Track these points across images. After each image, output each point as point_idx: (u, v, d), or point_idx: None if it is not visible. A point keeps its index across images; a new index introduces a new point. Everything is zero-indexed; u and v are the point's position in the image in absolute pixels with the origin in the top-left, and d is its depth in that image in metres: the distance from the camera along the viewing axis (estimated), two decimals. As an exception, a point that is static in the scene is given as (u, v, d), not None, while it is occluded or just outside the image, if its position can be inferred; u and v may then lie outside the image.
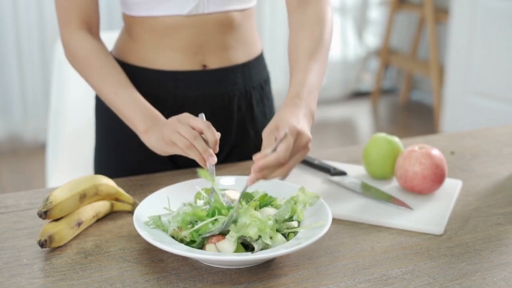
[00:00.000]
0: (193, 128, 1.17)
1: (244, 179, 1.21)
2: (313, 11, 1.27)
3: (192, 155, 1.16)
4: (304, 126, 1.08)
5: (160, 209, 1.12)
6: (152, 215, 1.08)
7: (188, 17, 1.33)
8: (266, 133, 1.08)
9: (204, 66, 1.39)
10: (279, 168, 1.04)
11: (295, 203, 1.08)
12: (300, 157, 1.07)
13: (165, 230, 1.05)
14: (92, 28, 1.35)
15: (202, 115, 1.21)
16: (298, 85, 1.15)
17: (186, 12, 1.32)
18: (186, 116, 1.18)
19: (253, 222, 1.00)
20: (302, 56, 1.21)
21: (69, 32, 1.33)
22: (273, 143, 1.06)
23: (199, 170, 1.08)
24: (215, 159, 1.15)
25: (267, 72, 1.52)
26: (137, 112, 1.27)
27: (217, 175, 1.34)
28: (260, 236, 1.01)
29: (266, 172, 1.03)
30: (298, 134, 1.05)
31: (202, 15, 1.34)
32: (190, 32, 1.35)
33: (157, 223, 1.05)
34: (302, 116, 1.10)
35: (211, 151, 1.16)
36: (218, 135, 1.17)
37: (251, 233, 0.99)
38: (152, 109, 1.29)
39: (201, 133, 1.17)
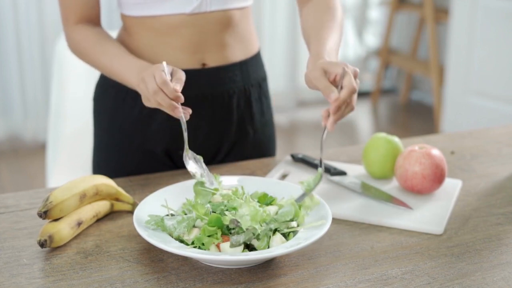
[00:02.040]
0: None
1: (245, 179, 1.21)
2: (323, 1, 1.32)
3: (163, 110, 1.18)
4: (354, 83, 1.08)
5: (160, 209, 1.11)
6: (153, 214, 1.08)
7: (189, 16, 1.33)
8: (317, 79, 1.08)
9: (203, 64, 1.39)
10: (347, 106, 1.08)
11: (300, 208, 1.08)
12: (355, 94, 1.08)
13: (165, 231, 1.05)
14: (93, 20, 1.38)
15: (164, 65, 1.19)
16: (318, 51, 1.17)
17: (189, 10, 1.32)
18: (151, 70, 1.19)
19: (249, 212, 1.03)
20: (317, 31, 1.24)
21: (69, 27, 1.36)
22: (330, 85, 1.06)
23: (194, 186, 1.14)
24: (179, 111, 1.16)
25: (264, 70, 1.52)
26: (129, 69, 1.28)
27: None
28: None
29: (341, 111, 1.06)
30: (354, 88, 1.07)
31: (204, 14, 1.34)
32: (190, 31, 1.35)
33: (158, 224, 1.05)
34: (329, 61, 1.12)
35: (174, 104, 1.16)
36: (181, 79, 1.18)
37: (243, 221, 1.01)
38: (142, 62, 1.28)
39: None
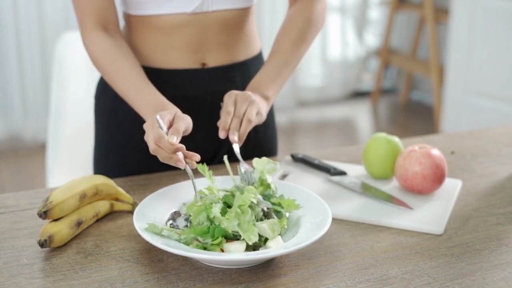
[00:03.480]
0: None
1: None
2: (302, 7, 1.41)
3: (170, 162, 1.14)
4: (246, 92, 1.28)
5: (160, 209, 1.12)
6: (152, 220, 1.07)
7: (191, 16, 1.33)
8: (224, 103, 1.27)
9: (204, 64, 1.39)
10: (240, 119, 1.23)
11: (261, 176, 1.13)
12: (254, 107, 1.24)
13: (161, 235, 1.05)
14: (109, 26, 1.34)
15: (159, 119, 1.15)
16: (255, 78, 1.37)
17: (191, 10, 1.32)
18: (145, 128, 1.17)
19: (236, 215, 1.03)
20: (272, 51, 1.40)
21: (85, 35, 1.34)
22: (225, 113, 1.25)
23: (198, 166, 1.13)
24: (182, 164, 1.11)
25: (265, 71, 1.53)
26: (145, 103, 1.27)
27: (217, 175, 1.34)
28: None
29: (234, 125, 1.23)
30: (235, 95, 1.26)
31: (206, 14, 1.34)
32: (191, 31, 1.35)
33: (157, 233, 1.04)
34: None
35: (176, 157, 1.11)
36: (175, 138, 1.12)
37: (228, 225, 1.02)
38: (159, 99, 1.26)
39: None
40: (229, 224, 1.01)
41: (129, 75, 1.30)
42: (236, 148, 1.23)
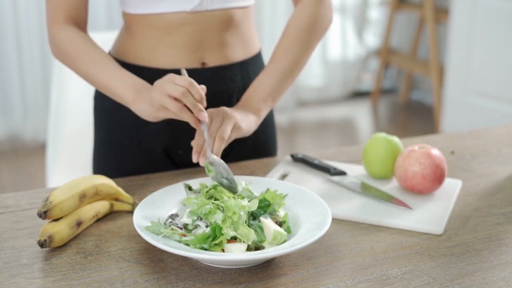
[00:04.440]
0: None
1: (245, 180, 1.21)
2: (305, 7, 1.39)
3: (184, 116, 1.17)
4: (222, 108, 1.27)
5: (160, 209, 1.11)
6: (153, 220, 1.07)
7: (190, 14, 1.33)
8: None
9: (203, 63, 1.39)
10: (213, 138, 1.20)
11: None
12: (228, 122, 1.22)
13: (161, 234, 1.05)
14: (80, 23, 1.37)
15: (184, 71, 1.22)
16: (251, 87, 1.37)
17: (190, 8, 1.33)
18: (170, 76, 1.19)
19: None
20: (274, 56, 1.39)
21: (55, 27, 1.34)
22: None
23: (206, 164, 1.14)
24: (205, 115, 1.17)
25: (264, 71, 1.53)
26: (122, 83, 1.28)
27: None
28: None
29: (203, 151, 1.19)
30: (211, 112, 1.25)
31: (205, 12, 1.34)
32: (191, 29, 1.35)
33: (157, 232, 1.04)
34: (233, 108, 1.30)
35: (201, 106, 1.17)
36: (203, 89, 1.19)
37: (217, 218, 1.03)
38: (137, 78, 1.28)
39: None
40: (227, 232, 1.02)
41: (101, 61, 1.31)
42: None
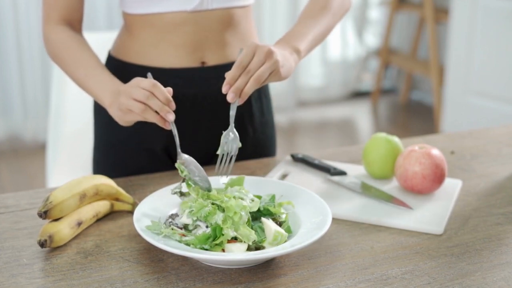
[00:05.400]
0: (144, 90, 1.15)
1: (247, 179, 1.21)
2: None
3: (149, 117, 1.15)
4: (269, 45, 1.17)
5: (160, 209, 1.11)
6: (154, 220, 1.07)
7: (191, 14, 1.33)
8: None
9: (203, 63, 1.39)
10: (248, 76, 1.14)
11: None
12: (269, 66, 1.15)
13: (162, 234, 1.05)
14: (75, 24, 1.37)
15: (149, 75, 1.21)
16: (286, 34, 1.32)
17: (190, 8, 1.33)
18: (135, 80, 1.17)
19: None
20: (300, 17, 1.36)
21: (48, 27, 1.35)
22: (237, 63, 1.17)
23: (176, 164, 1.12)
24: (173, 115, 1.14)
25: (265, 70, 1.52)
26: (102, 87, 1.28)
27: (217, 174, 1.34)
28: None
29: (239, 83, 1.13)
30: (256, 47, 1.16)
31: (205, 12, 1.34)
32: (191, 29, 1.35)
33: (159, 232, 1.04)
34: (277, 46, 1.25)
35: (167, 107, 1.14)
36: (169, 90, 1.16)
37: (218, 218, 1.02)
38: (117, 83, 1.28)
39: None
40: (227, 232, 1.02)
41: (88, 64, 1.31)
42: (233, 108, 1.17)
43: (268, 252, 0.99)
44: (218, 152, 1.16)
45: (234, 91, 1.14)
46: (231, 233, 1.01)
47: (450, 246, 1.10)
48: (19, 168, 3.60)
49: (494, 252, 1.08)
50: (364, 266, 1.03)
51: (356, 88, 4.91)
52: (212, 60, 1.39)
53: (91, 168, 1.54)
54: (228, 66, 1.41)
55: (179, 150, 1.15)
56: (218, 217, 1.03)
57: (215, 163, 1.46)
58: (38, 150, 3.75)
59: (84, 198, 1.12)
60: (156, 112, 1.15)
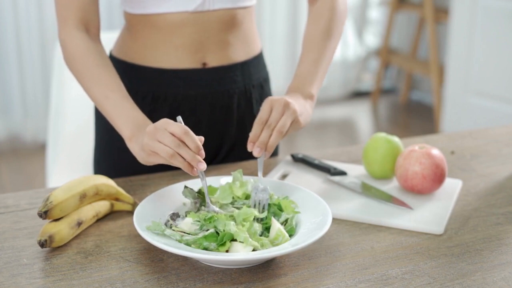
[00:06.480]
0: (172, 135, 1.08)
1: (246, 179, 1.21)
2: (325, 2, 1.39)
3: (176, 163, 1.08)
4: (284, 97, 1.19)
5: (160, 209, 1.11)
6: (154, 220, 1.07)
7: (192, 14, 1.33)
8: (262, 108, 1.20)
9: (204, 64, 1.39)
10: (271, 129, 1.16)
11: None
12: (288, 116, 1.17)
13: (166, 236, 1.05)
14: (91, 29, 1.31)
15: (180, 119, 1.13)
16: (296, 77, 1.33)
17: (192, 8, 1.32)
18: (163, 122, 1.10)
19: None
20: (305, 48, 1.37)
21: (66, 31, 1.30)
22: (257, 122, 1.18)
23: (183, 191, 1.12)
24: (204, 165, 1.08)
25: (266, 71, 1.52)
26: (124, 117, 1.22)
27: (217, 175, 1.34)
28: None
29: (263, 137, 1.15)
30: (272, 101, 1.17)
31: (207, 12, 1.34)
32: (192, 30, 1.35)
33: (159, 231, 1.04)
34: (290, 95, 1.26)
35: (199, 157, 1.08)
36: (201, 139, 1.10)
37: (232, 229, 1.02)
38: (140, 115, 1.23)
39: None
40: (240, 234, 1.02)
41: (109, 86, 1.25)
42: (260, 163, 1.16)
43: (268, 252, 0.99)
44: (250, 204, 1.13)
45: (259, 146, 1.15)
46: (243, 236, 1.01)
47: (450, 246, 1.10)
48: (19, 168, 3.60)
49: (494, 252, 1.08)
50: (364, 266, 1.03)
51: (356, 88, 4.91)
52: (213, 61, 1.39)
53: (91, 168, 1.55)
54: (229, 67, 1.41)
55: (208, 201, 1.11)
56: (232, 226, 1.03)
57: (214, 164, 1.46)
58: (38, 150, 3.75)
59: (84, 198, 1.12)
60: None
